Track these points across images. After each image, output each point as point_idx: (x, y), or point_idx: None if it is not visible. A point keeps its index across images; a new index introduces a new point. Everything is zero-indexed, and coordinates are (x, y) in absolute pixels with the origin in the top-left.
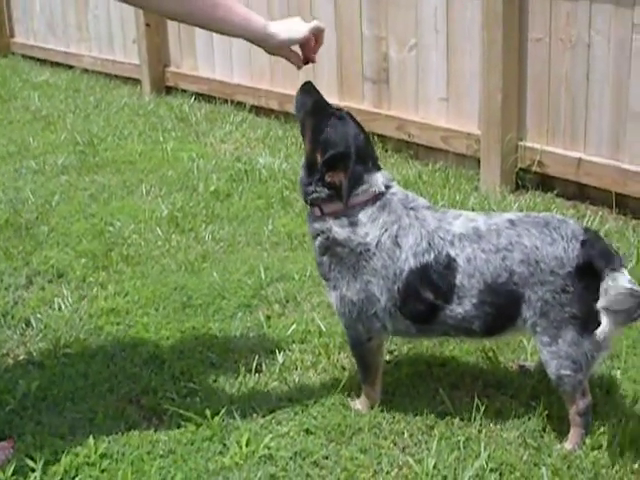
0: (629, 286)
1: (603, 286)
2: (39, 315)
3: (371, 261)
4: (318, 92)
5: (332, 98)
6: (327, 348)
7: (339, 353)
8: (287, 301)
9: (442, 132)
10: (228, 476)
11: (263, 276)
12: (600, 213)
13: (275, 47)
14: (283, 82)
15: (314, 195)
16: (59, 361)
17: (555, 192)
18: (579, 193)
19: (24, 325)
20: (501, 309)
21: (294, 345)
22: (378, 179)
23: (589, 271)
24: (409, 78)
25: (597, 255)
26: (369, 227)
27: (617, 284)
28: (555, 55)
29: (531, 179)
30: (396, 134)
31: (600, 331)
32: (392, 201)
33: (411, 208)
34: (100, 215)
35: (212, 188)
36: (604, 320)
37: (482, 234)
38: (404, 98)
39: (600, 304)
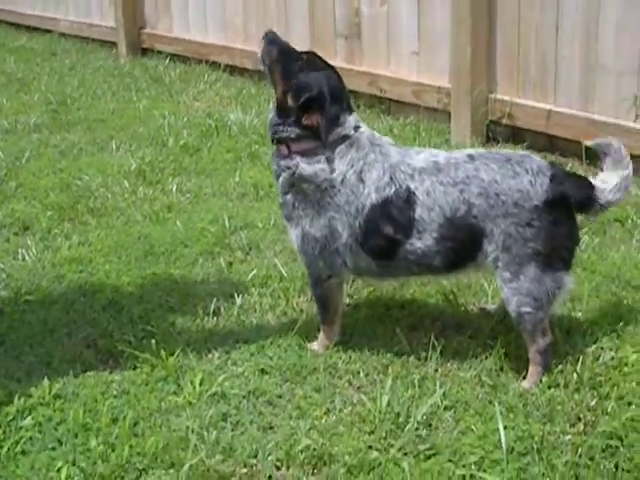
0: (613, 178)
1: (599, 201)
2: (2, 265)
3: (335, 197)
4: (282, 39)
5: None
6: (287, 292)
7: (299, 297)
8: (250, 248)
9: (413, 86)
10: (180, 414)
11: (227, 225)
12: (570, 164)
13: None
14: (257, 41)
15: (283, 134)
16: (19, 308)
17: (525, 144)
18: (549, 145)
19: None
20: (462, 243)
21: (254, 289)
22: (350, 122)
23: (558, 206)
24: (380, 33)
25: (572, 187)
26: (336, 164)
27: (606, 187)
28: (525, 6)
29: (501, 131)
30: (368, 90)
31: None
32: (360, 139)
33: (377, 144)
34: (69, 170)
35: (182, 143)
36: None
37: (441, 167)
38: (376, 53)
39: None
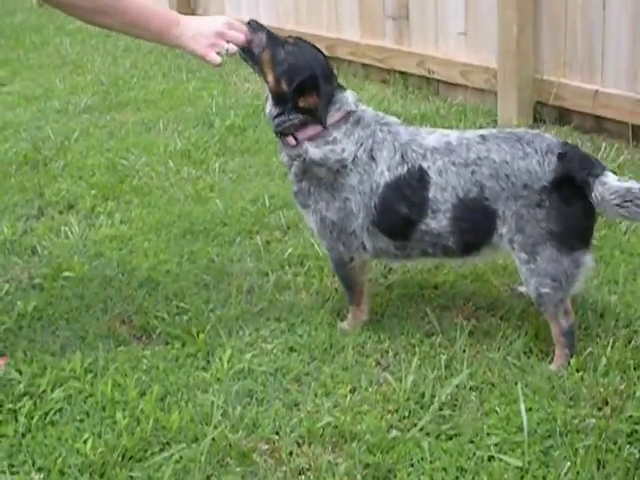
0: (623, 184)
1: (595, 194)
2: (45, 243)
3: (348, 178)
4: (264, 26)
5: (354, 35)
6: (321, 271)
7: (333, 276)
8: (288, 228)
9: (461, 67)
10: (207, 390)
11: (267, 204)
12: (616, 145)
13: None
14: (308, 22)
15: (287, 124)
16: (58, 284)
17: (572, 125)
18: (596, 126)
19: (30, 252)
20: (476, 225)
21: (289, 268)
22: (348, 98)
23: (567, 185)
24: (429, 14)
25: (577, 167)
26: (345, 143)
27: (609, 185)
28: None
29: (549, 112)
30: (417, 70)
31: None
32: (364, 117)
33: (384, 123)
34: (115, 150)
35: (228, 123)
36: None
37: (453, 148)
38: (424, 34)
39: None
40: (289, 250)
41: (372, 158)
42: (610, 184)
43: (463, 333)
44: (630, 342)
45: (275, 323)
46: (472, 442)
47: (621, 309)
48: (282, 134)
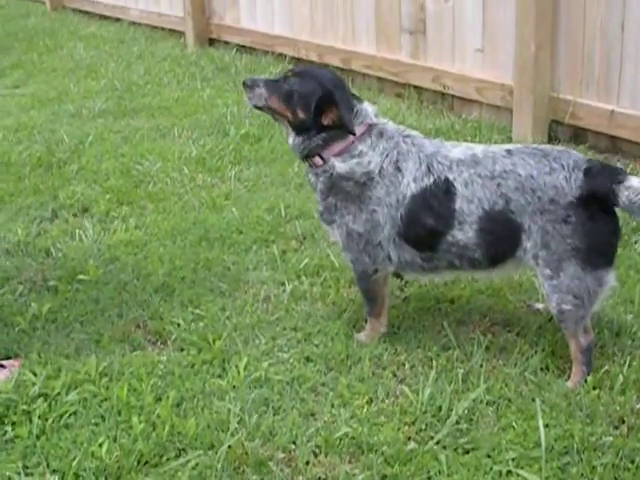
0: None
1: (622, 199)
2: (59, 245)
3: (375, 190)
4: (259, 78)
5: (369, 48)
6: (337, 282)
7: (349, 287)
8: (304, 238)
9: (477, 83)
10: (223, 397)
11: (283, 213)
12: (631, 166)
13: None
14: (323, 34)
15: (311, 146)
16: (72, 286)
17: (587, 144)
18: (611, 146)
19: (44, 254)
20: (501, 237)
21: (305, 278)
22: (367, 109)
23: (593, 202)
24: (446, 29)
25: (601, 179)
26: (371, 155)
27: (633, 187)
28: (590, 4)
29: (564, 131)
30: (432, 85)
31: None
32: (387, 129)
33: (406, 135)
34: (130, 155)
35: (243, 132)
36: None
37: (479, 160)
38: (440, 49)
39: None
40: (305, 260)
41: (398, 169)
42: (634, 186)
43: (480, 348)
44: None
45: (291, 332)
46: (489, 456)
47: (637, 328)
48: (308, 157)
